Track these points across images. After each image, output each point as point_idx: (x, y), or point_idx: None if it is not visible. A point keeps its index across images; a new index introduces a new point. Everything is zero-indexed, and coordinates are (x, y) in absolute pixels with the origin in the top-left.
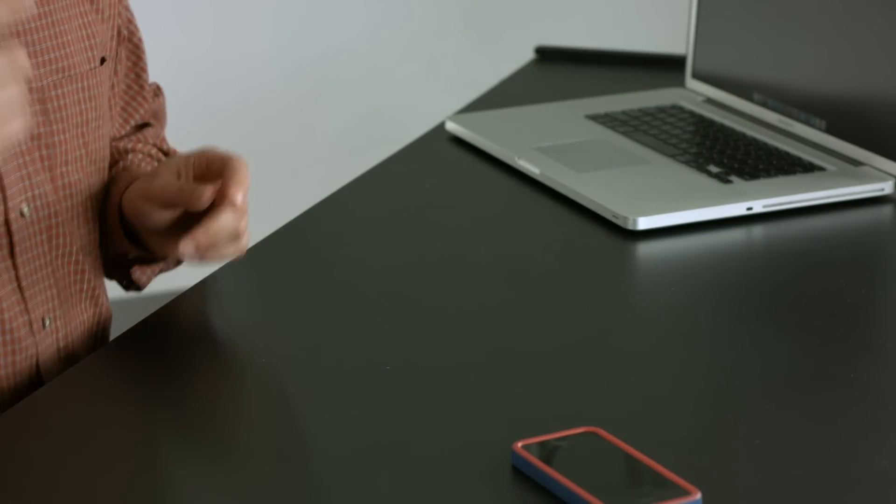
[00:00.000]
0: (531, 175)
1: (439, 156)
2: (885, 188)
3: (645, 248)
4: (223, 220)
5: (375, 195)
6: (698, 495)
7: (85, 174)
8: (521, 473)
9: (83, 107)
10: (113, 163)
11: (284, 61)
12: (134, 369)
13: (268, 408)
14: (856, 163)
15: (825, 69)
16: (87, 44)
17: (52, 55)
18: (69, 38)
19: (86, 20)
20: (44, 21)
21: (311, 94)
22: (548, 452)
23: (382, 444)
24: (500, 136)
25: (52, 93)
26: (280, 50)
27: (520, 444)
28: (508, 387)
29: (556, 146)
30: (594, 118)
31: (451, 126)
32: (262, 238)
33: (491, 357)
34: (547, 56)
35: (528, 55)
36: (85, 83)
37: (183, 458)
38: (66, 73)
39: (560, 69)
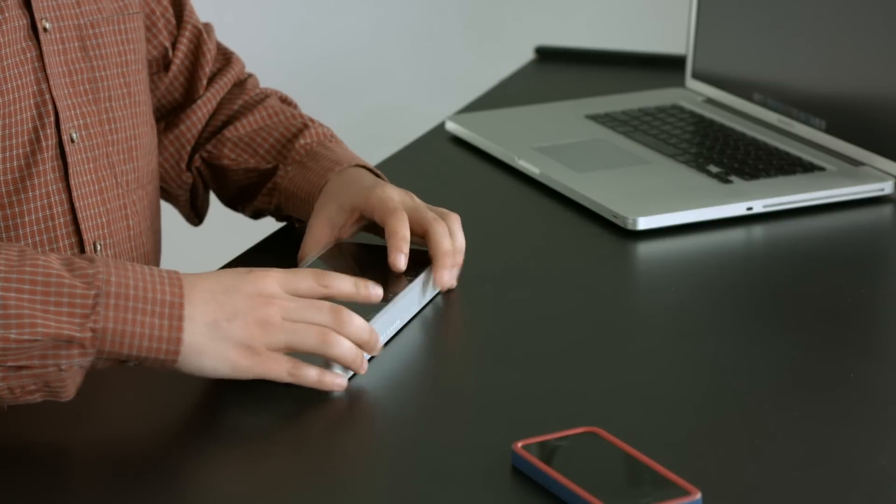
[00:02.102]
0: (531, 175)
1: (439, 156)
2: (885, 188)
3: (645, 248)
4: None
5: None
6: (698, 495)
7: (129, 113)
8: (521, 473)
9: (121, 48)
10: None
11: (285, 61)
12: (135, 370)
13: (266, 406)
14: (856, 163)
15: (825, 69)
16: None
17: None
18: None
19: None
20: None
21: (311, 93)
22: (548, 452)
23: (382, 443)
24: (500, 136)
25: (90, 31)
26: (280, 50)
27: (520, 444)
28: (508, 387)
29: (556, 146)
30: (594, 118)
31: (451, 126)
32: (263, 238)
33: (490, 357)
34: (547, 56)
35: (528, 55)
36: (122, 26)
37: (183, 455)
38: (101, 16)
39: (560, 69)
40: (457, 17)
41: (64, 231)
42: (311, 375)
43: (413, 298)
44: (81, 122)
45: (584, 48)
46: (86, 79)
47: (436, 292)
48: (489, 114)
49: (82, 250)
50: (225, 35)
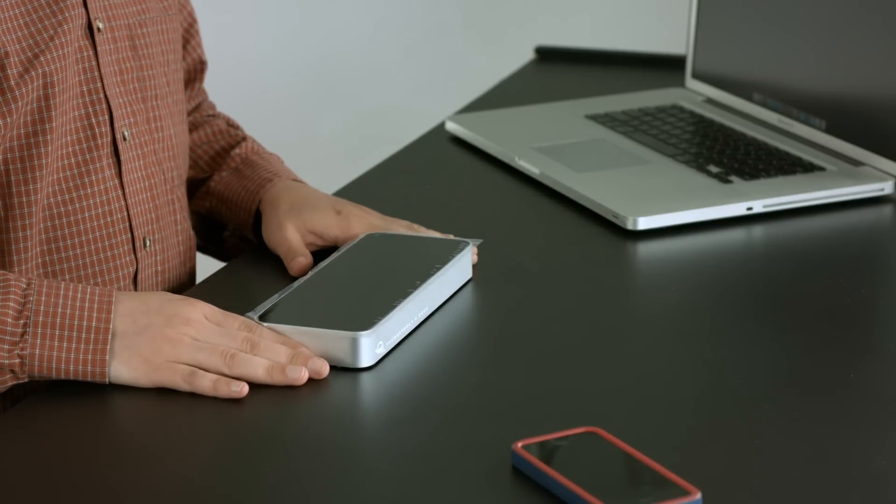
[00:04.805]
0: (531, 175)
1: (439, 156)
2: (885, 188)
3: (645, 248)
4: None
5: (375, 195)
6: (698, 495)
7: (170, 112)
8: (521, 473)
9: (164, 48)
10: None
11: (285, 61)
12: None
13: (266, 407)
14: (856, 163)
15: (825, 69)
16: None
17: None
18: None
19: None
20: None
21: (311, 94)
22: (548, 452)
23: (382, 443)
24: (500, 136)
25: (139, 31)
26: (280, 50)
27: (520, 444)
28: (508, 387)
29: (556, 146)
30: (594, 118)
31: (451, 126)
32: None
33: (491, 357)
34: (547, 56)
35: (528, 55)
36: (164, 26)
37: (183, 458)
38: (148, 16)
39: (560, 69)
40: (457, 17)
41: (121, 227)
42: (205, 383)
43: (442, 286)
44: (132, 119)
45: (584, 48)
46: (135, 77)
47: (465, 280)
48: (489, 114)
49: (134, 246)
50: (224, 35)
